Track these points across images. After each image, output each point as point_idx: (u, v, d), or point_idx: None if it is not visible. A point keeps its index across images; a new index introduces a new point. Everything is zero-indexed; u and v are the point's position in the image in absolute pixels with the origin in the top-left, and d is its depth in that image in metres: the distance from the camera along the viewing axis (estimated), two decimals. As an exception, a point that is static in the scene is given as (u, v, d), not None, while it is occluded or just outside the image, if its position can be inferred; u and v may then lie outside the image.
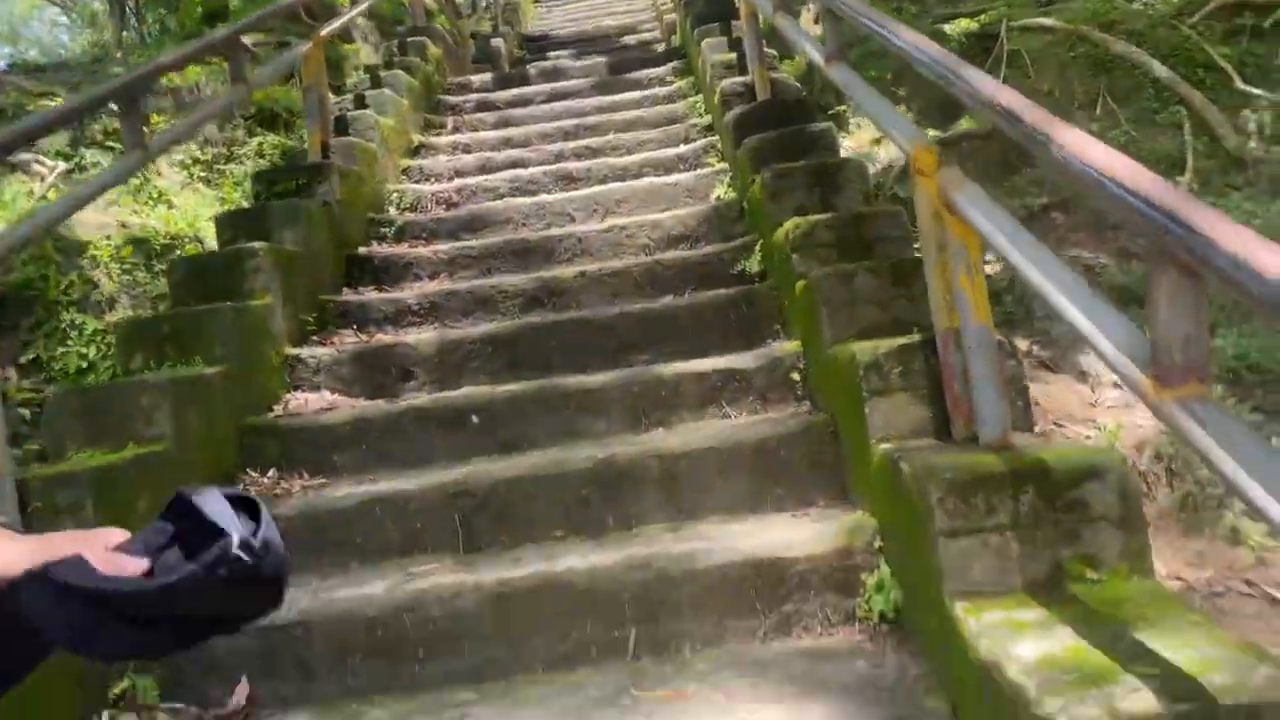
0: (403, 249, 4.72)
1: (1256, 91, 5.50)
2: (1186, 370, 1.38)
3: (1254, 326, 3.99)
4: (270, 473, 3.19)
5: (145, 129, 3.75)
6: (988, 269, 2.70)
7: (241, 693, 2.48)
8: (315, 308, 4.08)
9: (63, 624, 0.79)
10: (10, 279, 4.48)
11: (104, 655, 0.81)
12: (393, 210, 5.23)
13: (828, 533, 2.59)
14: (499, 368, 3.66)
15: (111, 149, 5.83)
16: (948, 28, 6.36)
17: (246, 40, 5.05)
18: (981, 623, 1.86)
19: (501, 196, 5.19)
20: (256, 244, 3.80)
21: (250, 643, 2.49)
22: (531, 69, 7.91)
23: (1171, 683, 1.51)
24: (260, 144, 6.25)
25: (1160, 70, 5.69)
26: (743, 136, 4.41)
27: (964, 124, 5.62)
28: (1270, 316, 1.28)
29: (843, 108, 6.01)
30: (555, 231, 4.58)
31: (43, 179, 5.30)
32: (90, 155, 5.71)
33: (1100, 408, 3.89)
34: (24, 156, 5.28)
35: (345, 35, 7.37)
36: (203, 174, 6.05)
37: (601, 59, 7.79)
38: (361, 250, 4.68)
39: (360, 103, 5.76)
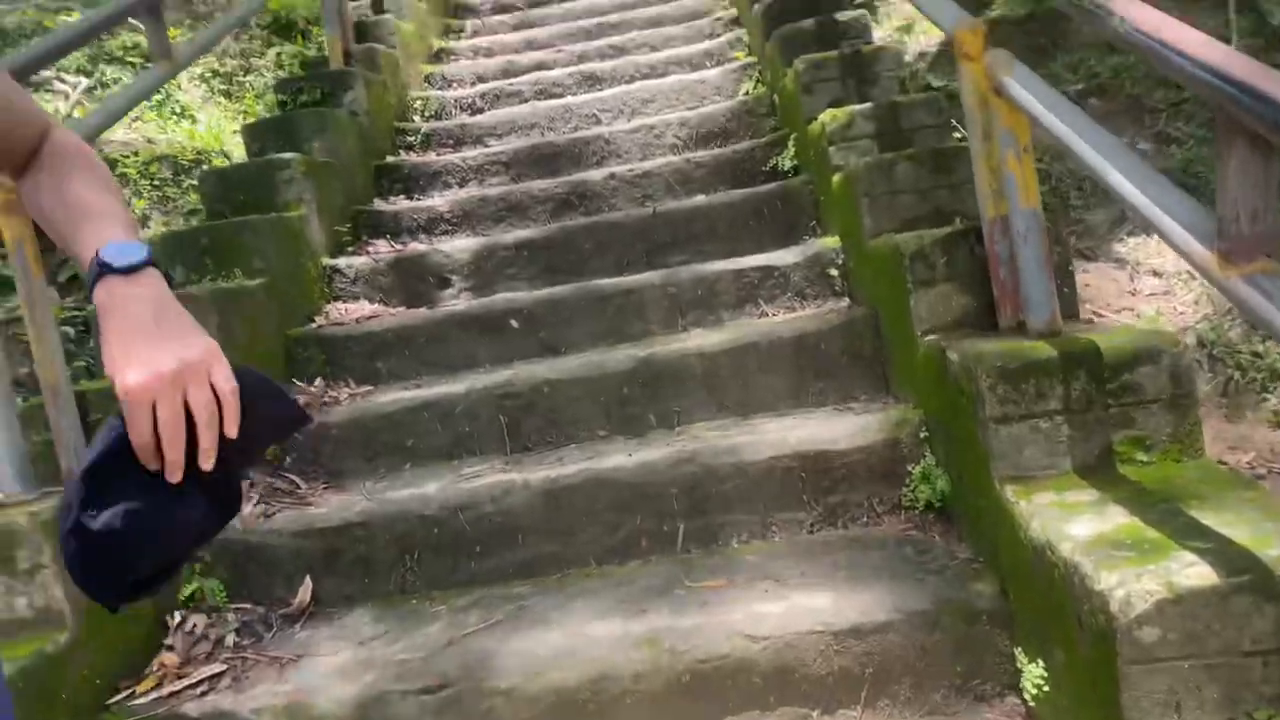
0: (430, 157, 4.68)
1: (1306, -37, 5.26)
2: (1255, 244, 1.36)
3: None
4: (317, 382, 3.24)
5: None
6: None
7: (305, 591, 2.57)
8: (348, 218, 4.08)
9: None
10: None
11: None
12: (418, 119, 5.17)
13: (872, 425, 2.61)
14: (535, 273, 3.67)
15: (131, 64, 5.78)
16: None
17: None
18: (1032, 504, 1.88)
19: (526, 100, 5.10)
20: (288, 154, 3.78)
21: (313, 544, 2.58)
22: (549, -35, 7.67)
23: (1228, 556, 1.52)
24: (279, 55, 6.16)
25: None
26: (772, 27, 4.29)
27: (997, 10, 5.43)
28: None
29: (872, -7, 5.80)
30: (583, 134, 4.52)
31: (66, 97, 5.26)
32: (110, 71, 5.65)
33: (1139, 295, 3.85)
34: (45, 74, 5.22)
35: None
36: (223, 87, 5.99)
37: (620, -48, 7.53)
38: (390, 159, 4.65)
39: (378, 7, 5.64)
